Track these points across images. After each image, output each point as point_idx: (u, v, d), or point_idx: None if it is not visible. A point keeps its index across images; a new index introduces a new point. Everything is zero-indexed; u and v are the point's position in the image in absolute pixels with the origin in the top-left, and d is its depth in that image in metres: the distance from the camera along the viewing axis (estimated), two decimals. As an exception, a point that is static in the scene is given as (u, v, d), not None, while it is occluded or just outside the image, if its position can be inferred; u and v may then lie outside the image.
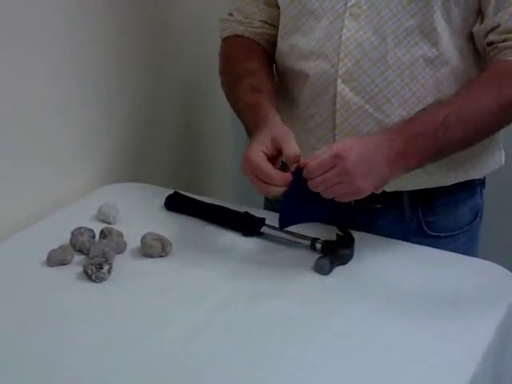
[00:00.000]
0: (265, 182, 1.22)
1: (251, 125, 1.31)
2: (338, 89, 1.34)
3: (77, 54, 1.52)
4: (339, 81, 1.34)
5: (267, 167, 1.21)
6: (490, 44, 1.29)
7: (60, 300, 1.19)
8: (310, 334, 1.13)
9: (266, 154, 1.23)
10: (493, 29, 1.28)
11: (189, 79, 1.89)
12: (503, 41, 1.27)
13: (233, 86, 1.41)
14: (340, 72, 1.33)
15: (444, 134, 1.22)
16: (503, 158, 1.47)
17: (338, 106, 1.35)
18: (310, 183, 1.20)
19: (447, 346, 1.10)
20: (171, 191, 1.50)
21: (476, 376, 1.06)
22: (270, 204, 1.54)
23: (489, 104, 1.25)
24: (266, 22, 1.47)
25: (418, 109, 1.32)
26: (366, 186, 1.19)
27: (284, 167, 1.25)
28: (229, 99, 1.42)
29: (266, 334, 1.13)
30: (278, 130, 1.25)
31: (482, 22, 1.31)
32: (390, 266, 1.29)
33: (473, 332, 1.14)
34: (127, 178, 1.64)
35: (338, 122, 1.36)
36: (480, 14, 1.32)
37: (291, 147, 1.22)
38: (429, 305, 1.19)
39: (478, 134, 1.28)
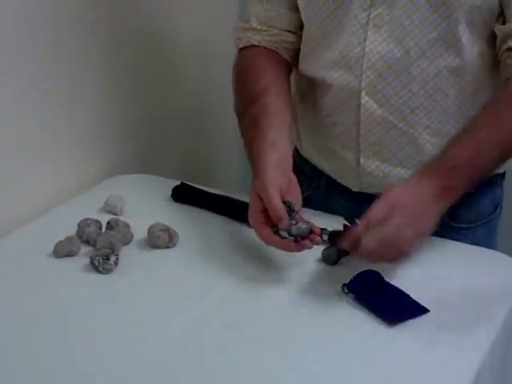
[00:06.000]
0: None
1: (251, 168, 1.28)
2: (362, 101, 1.33)
3: (83, 51, 1.53)
4: (363, 93, 1.32)
5: (263, 233, 1.19)
6: (509, 50, 1.26)
7: (67, 291, 1.19)
8: (316, 324, 1.13)
9: (265, 211, 1.21)
10: (510, 35, 1.26)
11: (195, 71, 1.88)
12: None
13: (240, 115, 1.38)
14: (363, 84, 1.32)
15: (480, 162, 1.21)
16: None
17: (362, 117, 1.34)
18: (376, 237, 1.13)
19: (453, 337, 1.10)
20: (178, 182, 1.50)
21: (483, 368, 1.06)
22: None
23: None
24: (285, 30, 1.42)
25: (442, 119, 1.32)
26: (427, 226, 1.16)
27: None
28: (238, 125, 1.39)
29: (272, 324, 1.13)
30: (260, 184, 1.21)
31: (503, 23, 1.28)
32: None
33: (480, 324, 1.13)
34: (133, 169, 1.64)
35: (362, 132, 1.36)
36: (501, 15, 1.28)
37: (268, 203, 1.19)
38: (435, 295, 1.18)
39: (511, 151, 1.27)
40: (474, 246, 1.35)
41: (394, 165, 1.37)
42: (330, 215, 1.39)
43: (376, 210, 1.16)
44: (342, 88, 1.35)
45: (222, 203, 1.43)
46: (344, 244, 1.16)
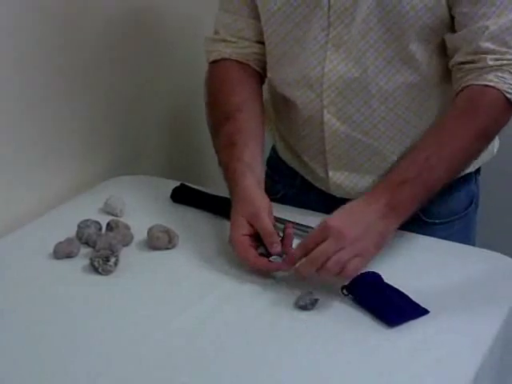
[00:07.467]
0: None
1: (228, 187, 1.31)
2: (325, 119, 1.35)
3: (84, 52, 1.54)
4: (325, 111, 1.34)
5: (250, 255, 1.21)
6: (458, 64, 1.27)
7: (66, 293, 1.19)
8: (315, 326, 1.13)
9: (250, 235, 1.22)
10: (458, 48, 1.26)
11: (188, 71, 1.88)
12: (470, 62, 1.25)
13: (215, 131, 1.39)
14: (325, 102, 1.34)
15: (428, 176, 1.21)
16: (495, 150, 1.48)
17: (326, 134, 1.37)
18: (307, 260, 1.15)
19: (453, 337, 1.10)
20: (177, 183, 1.50)
21: (483, 367, 1.06)
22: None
23: (465, 137, 1.24)
24: (254, 41, 1.41)
25: (405, 130, 1.34)
26: (367, 247, 1.16)
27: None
28: (212, 141, 1.39)
29: (272, 325, 1.13)
30: (249, 207, 1.23)
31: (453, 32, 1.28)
32: (396, 258, 1.28)
33: (479, 323, 1.13)
34: (133, 170, 1.64)
35: (327, 148, 1.38)
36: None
37: (263, 227, 1.21)
38: (433, 295, 1.18)
39: (461, 166, 1.29)
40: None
41: (362, 174, 1.40)
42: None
43: (310, 236, 1.17)
44: (305, 106, 1.37)
45: (222, 204, 1.43)
46: (283, 265, 1.17)
